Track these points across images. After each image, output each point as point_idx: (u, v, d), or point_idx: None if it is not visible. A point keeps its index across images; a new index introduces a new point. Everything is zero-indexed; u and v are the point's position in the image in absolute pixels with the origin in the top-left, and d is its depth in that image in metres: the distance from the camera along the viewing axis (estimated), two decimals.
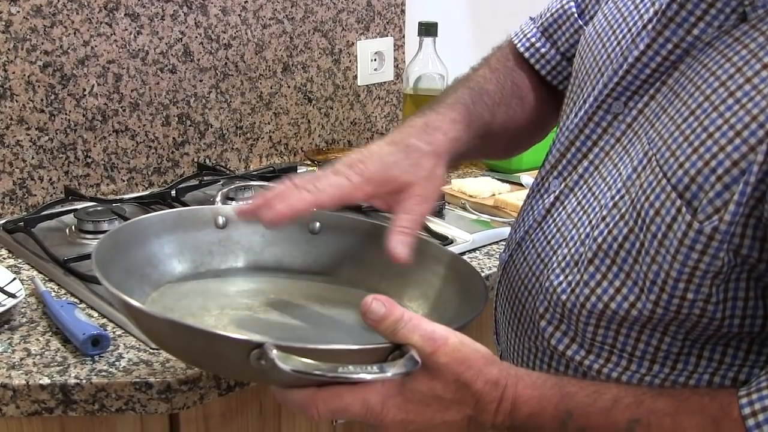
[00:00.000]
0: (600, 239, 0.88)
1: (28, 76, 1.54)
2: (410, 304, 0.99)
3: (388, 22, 2.06)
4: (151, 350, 1.09)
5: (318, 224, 1.07)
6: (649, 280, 0.83)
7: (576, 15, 1.12)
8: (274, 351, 0.72)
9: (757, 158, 0.73)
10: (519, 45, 1.17)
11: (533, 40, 1.16)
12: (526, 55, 1.16)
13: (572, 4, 1.13)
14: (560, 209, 0.97)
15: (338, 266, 1.06)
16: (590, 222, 0.91)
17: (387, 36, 2.07)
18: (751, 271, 0.79)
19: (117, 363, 1.06)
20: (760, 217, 0.75)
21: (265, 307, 0.98)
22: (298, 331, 0.94)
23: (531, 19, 1.19)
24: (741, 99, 0.76)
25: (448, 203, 1.64)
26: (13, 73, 1.52)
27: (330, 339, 0.92)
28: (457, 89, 1.06)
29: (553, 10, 1.15)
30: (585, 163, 0.96)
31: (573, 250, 0.92)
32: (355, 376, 0.74)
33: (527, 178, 1.76)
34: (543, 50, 1.15)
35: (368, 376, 0.74)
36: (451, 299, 0.97)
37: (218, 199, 1.10)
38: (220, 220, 1.06)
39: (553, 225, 0.97)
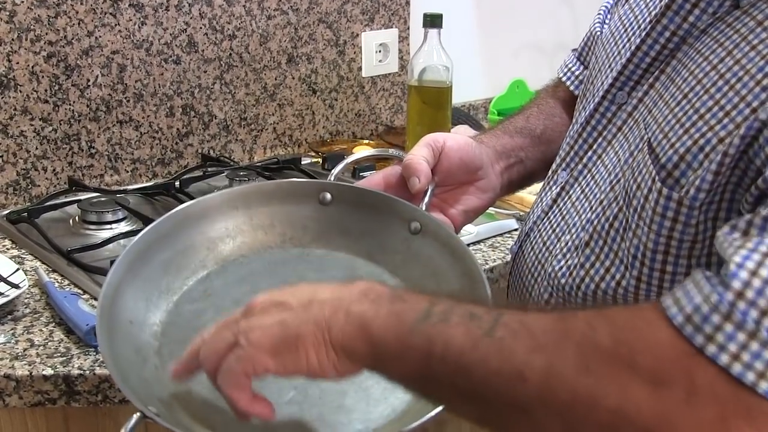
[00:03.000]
0: (596, 222, 0.90)
1: (32, 67, 1.54)
2: None
3: (392, 14, 2.05)
4: None
5: (419, 225, 0.98)
6: (631, 254, 0.84)
7: (599, 33, 1.17)
8: None
9: (740, 132, 0.73)
10: (560, 73, 1.26)
11: (570, 65, 1.24)
12: (564, 79, 1.24)
13: (598, 25, 1.18)
14: (566, 198, 0.99)
15: (422, 279, 0.96)
16: (591, 207, 0.93)
17: (392, 27, 2.07)
18: None
19: None
20: (738, 183, 0.75)
21: None
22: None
23: (573, 51, 1.27)
24: (730, 80, 0.77)
25: None
26: (17, 63, 1.52)
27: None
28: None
29: (585, 37, 1.23)
30: (590, 153, 0.98)
31: (575, 236, 0.94)
32: None
33: None
34: (577, 72, 1.23)
35: None
36: None
37: (334, 172, 1.04)
38: (327, 196, 1.01)
39: (558, 214, 0.99)
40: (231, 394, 0.72)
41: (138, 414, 0.75)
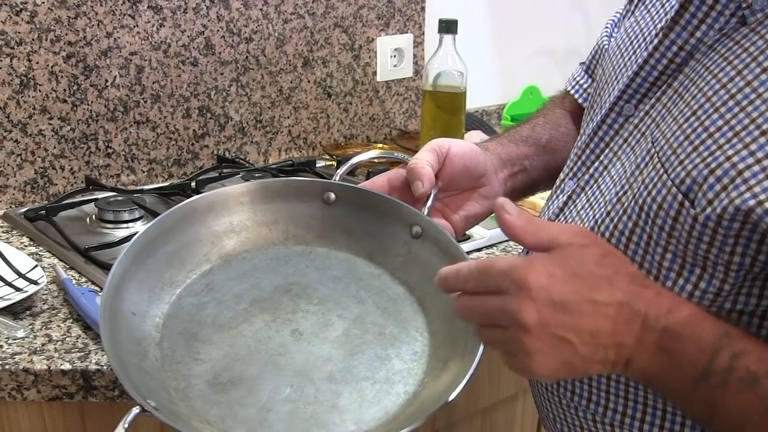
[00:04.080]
0: (607, 234, 0.90)
1: (52, 67, 1.56)
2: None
3: (408, 19, 2.07)
4: None
5: (420, 229, 1.00)
6: (665, 268, 0.84)
7: (606, 46, 1.18)
8: None
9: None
10: (568, 86, 1.27)
11: (578, 77, 1.26)
12: (572, 91, 1.25)
13: (606, 39, 1.20)
14: (572, 207, 1.00)
15: (423, 283, 0.98)
16: (595, 217, 0.93)
17: (407, 33, 2.08)
18: None
19: None
20: None
21: (305, 314, 0.95)
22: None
23: (581, 64, 1.28)
24: (741, 101, 0.78)
25: None
26: (37, 63, 1.54)
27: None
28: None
29: (593, 50, 1.24)
30: (596, 163, 0.99)
31: None
32: None
33: None
34: (585, 85, 1.24)
35: None
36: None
37: (339, 173, 1.06)
38: (331, 196, 1.03)
39: (564, 222, 0.99)
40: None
41: (137, 408, 0.76)
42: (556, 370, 0.74)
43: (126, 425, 0.76)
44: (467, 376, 0.82)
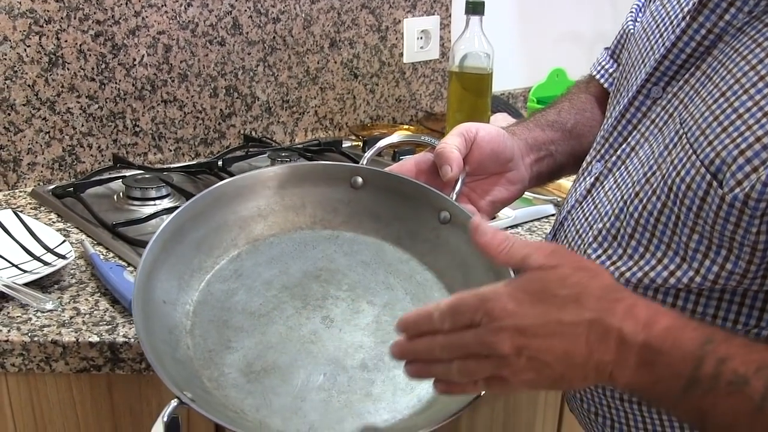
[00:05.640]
0: (636, 214, 0.90)
1: (80, 45, 1.57)
2: None
3: (434, 1, 2.06)
4: None
5: (449, 215, 0.99)
6: (692, 249, 0.85)
7: (632, 30, 1.17)
8: None
9: None
10: (593, 70, 1.26)
11: (603, 62, 1.25)
12: (597, 76, 1.25)
13: (631, 23, 1.19)
14: (599, 188, 1.00)
15: (451, 269, 0.98)
16: (623, 197, 0.93)
17: (433, 15, 2.08)
18: None
19: None
20: None
21: (335, 300, 0.95)
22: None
23: (606, 49, 1.27)
24: None
25: None
26: (66, 41, 1.55)
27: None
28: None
29: (618, 35, 1.23)
30: (624, 145, 0.99)
31: (608, 225, 0.94)
32: None
33: None
34: (610, 69, 1.23)
35: None
36: None
37: (367, 156, 1.05)
38: (359, 180, 1.02)
39: (591, 203, 1.00)
40: (452, 390, 0.77)
41: (175, 401, 0.77)
42: (541, 387, 0.77)
43: (165, 418, 0.76)
44: None
